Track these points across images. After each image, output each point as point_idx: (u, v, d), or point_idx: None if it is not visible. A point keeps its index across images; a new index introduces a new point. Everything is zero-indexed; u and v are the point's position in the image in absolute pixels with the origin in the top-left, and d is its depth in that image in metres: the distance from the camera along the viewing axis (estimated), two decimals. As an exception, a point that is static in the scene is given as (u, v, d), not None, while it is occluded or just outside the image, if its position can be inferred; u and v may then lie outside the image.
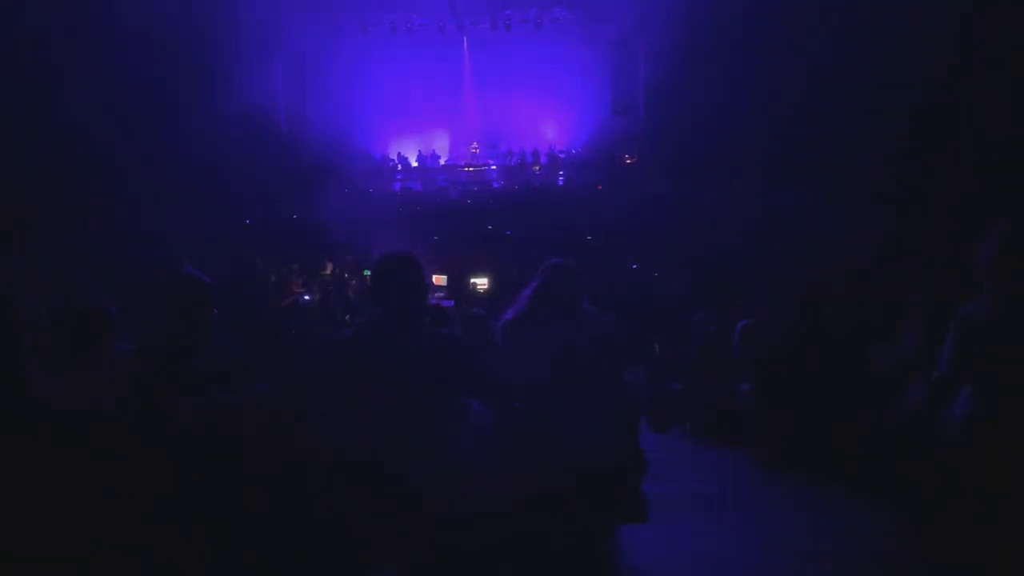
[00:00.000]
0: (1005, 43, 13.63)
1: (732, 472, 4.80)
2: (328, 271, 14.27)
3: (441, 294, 13.02)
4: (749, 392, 5.07)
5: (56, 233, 15.01)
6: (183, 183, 17.19)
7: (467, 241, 16.36)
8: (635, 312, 11.13)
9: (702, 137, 17.83)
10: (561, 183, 22.43)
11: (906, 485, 3.24)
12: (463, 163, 23.68)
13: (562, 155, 23.35)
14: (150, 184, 16.49)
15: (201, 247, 15.27)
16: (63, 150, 15.56)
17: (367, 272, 11.39)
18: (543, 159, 23.24)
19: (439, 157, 23.78)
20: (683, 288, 11.84)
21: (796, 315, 4.85)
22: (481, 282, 13.50)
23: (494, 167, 23.25)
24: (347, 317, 10.19)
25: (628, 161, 22.09)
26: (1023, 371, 2.69)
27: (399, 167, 23.40)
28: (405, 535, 2.52)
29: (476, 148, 23.70)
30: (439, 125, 24.63)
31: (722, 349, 6.36)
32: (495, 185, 22.43)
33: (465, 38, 22.83)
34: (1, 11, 14.54)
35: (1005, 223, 2.79)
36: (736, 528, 3.68)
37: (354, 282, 13.49)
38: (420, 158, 23.51)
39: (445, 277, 13.96)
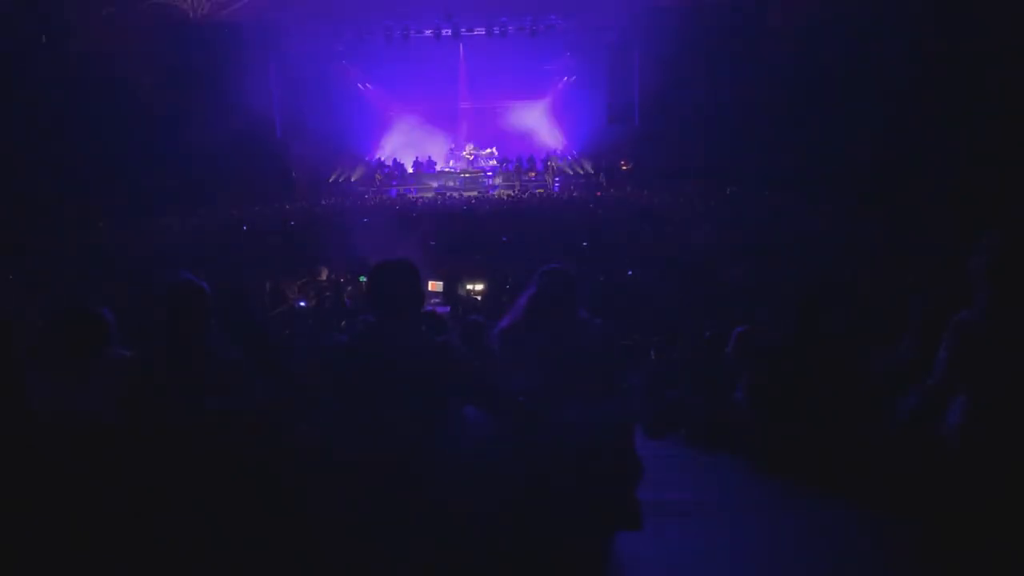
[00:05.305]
0: (991, 40, 13.71)
1: (728, 479, 4.80)
2: (324, 277, 14.24)
3: (437, 300, 13.00)
4: (744, 399, 5.07)
5: (55, 238, 15.01)
6: (180, 189, 17.19)
7: (463, 247, 16.36)
8: (631, 318, 11.14)
9: (697, 144, 17.89)
10: (557, 189, 22.48)
11: (901, 493, 3.25)
12: (459, 169, 23.71)
13: (558, 161, 23.42)
14: (148, 190, 16.49)
15: (198, 252, 15.26)
16: (62, 155, 15.57)
17: (363, 278, 11.39)
18: (539, 166, 23.29)
19: (435, 163, 23.81)
20: (674, 289, 11.86)
21: (792, 321, 4.85)
22: (477, 288, 13.49)
23: (490, 173, 23.29)
24: (343, 324, 10.15)
25: (624, 168, 22.15)
26: (1018, 378, 2.71)
27: (395, 173, 23.42)
28: (401, 541, 2.52)
29: (472, 154, 23.74)
30: (435, 131, 24.69)
31: (717, 355, 6.36)
32: (491, 191, 22.45)
33: (461, 45, 22.87)
34: (7, 19, 14.59)
35: (998, 230, 2.80)
36: (732, 536, 3.68)
37: (350, 288, 13.46)
38: (416, 164, 23.54)
39: (441, 283, 13.94)
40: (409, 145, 24.19)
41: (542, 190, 22.16)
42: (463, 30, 22.10)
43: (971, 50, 13.97)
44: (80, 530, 2.54)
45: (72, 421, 2.89)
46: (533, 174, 23.04)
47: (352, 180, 22.99)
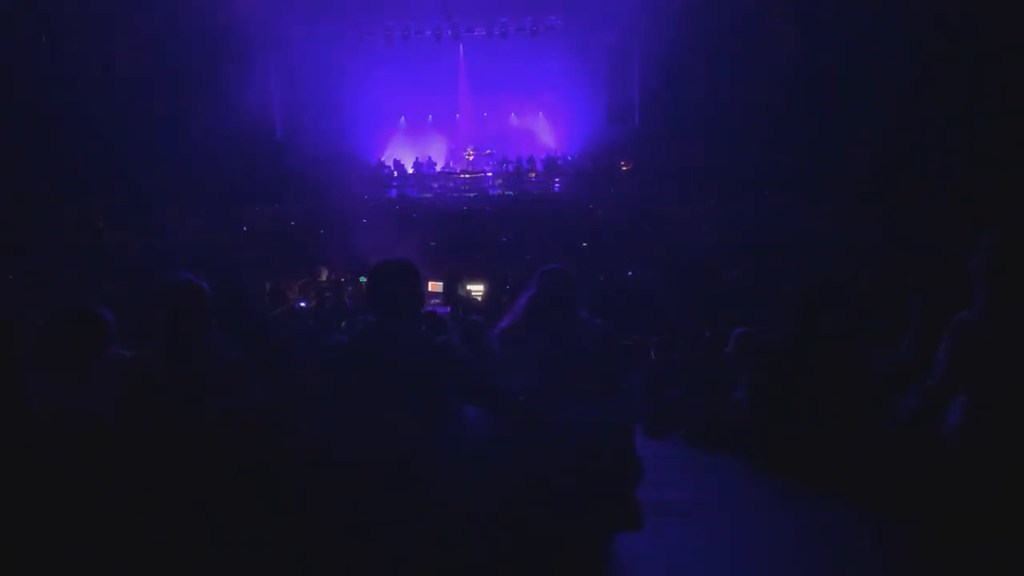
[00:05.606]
0: (990, 40, 13.70)
1: (728, 479, 4.80)
2: (324, 277, 14.26)
3: (437, 301, 13.01)
4: (744, 399, 5.08)
5: (55, 238, 15.01)
6: (180, 189, 17.19)
7: (463, 247, 16.38)
8: (631, 318, 11.16)
9: (697, 144, 17.89)
10: (557, 189, 22.48)
11: (901, 493, 3.25)
12: (459, 170, 23.69)
13: (558, 162, 23.40)
14: (148, 190, 16.49)
15: (198, 252, 15.27)
16: (62, 155, 15.57)
17: (363, 279, 11.40)
18: (539, 166, 23.28)
19: (435, 164, 23.79)
20: (674, 289, 11.89)
21: (792, 321, 4.86)
22: (477, 289, 13.51)
23: (490, 174, 23.27)
24: (343, 324, 10.14)
25: (624, 168, 22.14)
26: (1018, 378, 2.70)
27: (395, 174, 23.40)
28: (401, 541, 2.52)
29: (472, 155, 23.72)
30: (435, 132, 24.68)
31: (717, 355, 6.36)
32: (491, 192, 22.44)
33: (461, 45, 22.86)
34: (7, 19, 14.61)
35: (998, 230, 2.80)
36: (732, 536, 3.68)
37: (350, 288, 13.47)
38: (416, 165, 23.52)
39: (441, 284, 13.96)
40: (409, 145, 24.18)
41: (542, 190, 22.14)
42: (463, 30, 22.08)
43: (971, 50, 13.97)
44: (80, 530, 2.54)
45: (72, 421, 2.89)
46: (533, 174, 23.01)
47: (352, 180, 22.96)
